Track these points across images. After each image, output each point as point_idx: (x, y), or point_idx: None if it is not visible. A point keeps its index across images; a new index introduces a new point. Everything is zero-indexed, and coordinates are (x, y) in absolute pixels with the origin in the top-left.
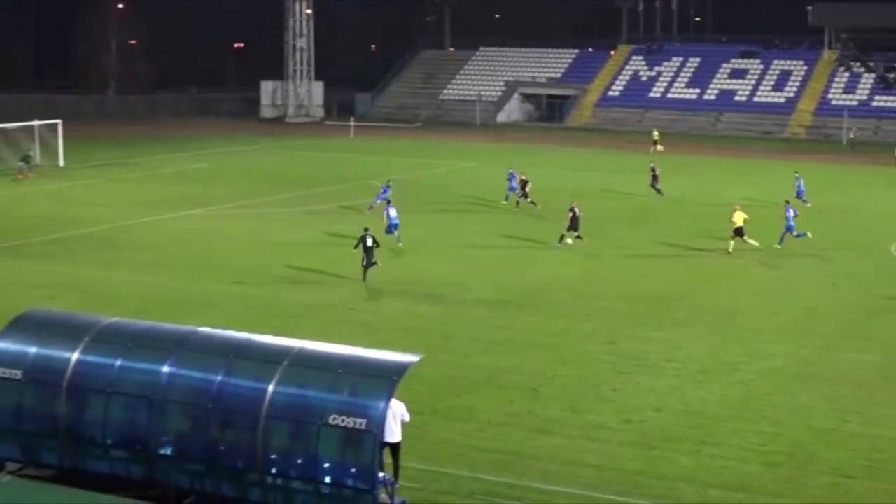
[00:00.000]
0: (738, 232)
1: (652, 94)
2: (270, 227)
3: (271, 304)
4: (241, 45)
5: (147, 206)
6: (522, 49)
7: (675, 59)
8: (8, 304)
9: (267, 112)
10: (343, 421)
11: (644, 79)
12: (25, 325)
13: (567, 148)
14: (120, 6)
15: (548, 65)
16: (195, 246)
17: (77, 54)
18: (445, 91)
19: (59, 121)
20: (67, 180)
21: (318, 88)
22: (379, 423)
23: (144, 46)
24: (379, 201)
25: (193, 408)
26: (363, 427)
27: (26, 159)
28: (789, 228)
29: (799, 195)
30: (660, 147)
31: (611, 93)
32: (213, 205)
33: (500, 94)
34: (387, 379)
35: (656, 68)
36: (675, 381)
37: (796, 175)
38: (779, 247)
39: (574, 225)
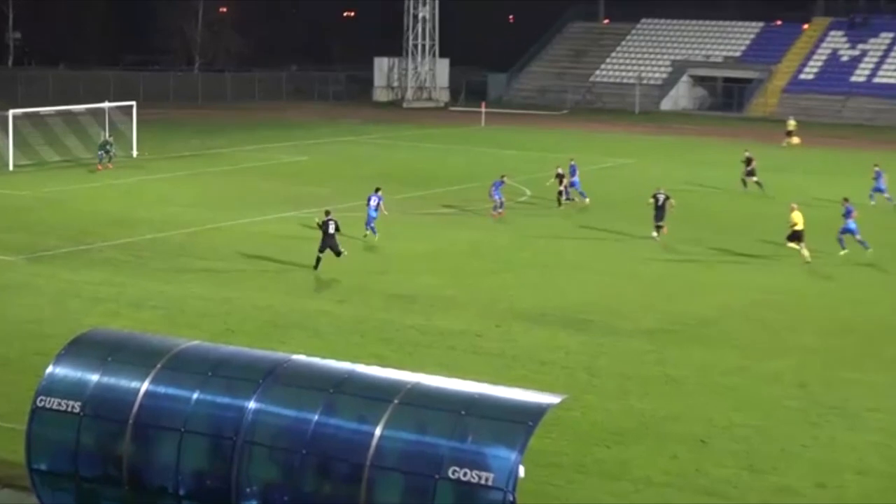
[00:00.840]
0: (796, 237)
1: (854, 78)
2: (380, 235)
3: (381, 327)
4: (351, 13)
5: (234, 207)
6: (694, 22)
7: (883, 35)
8: (67, 321)
9: (380, 95)
10: (465, 474)
11: (845, 59)
12: (86, 348)
13: (747, 142)
14: None
15: (725, 41)
16: (290, 256)
17: (157, 25)
18: (598, 72)
19: (132, 103)
20: (141, 174)
21: (442, 67)
22: (508, 479)
23: (236, 16)
24: (498, 198)
25: (284, 453)
26: (489, 483)
27: (105, 147)
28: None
29: (879, 190)
30: (795, 139)
31: (803, 76)
32: (312, 206)
33: (665, 76)
34: (520, 424)
35: (860, 46)
36: (881, 435)
37: (876, 169)
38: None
39: (659, 215)
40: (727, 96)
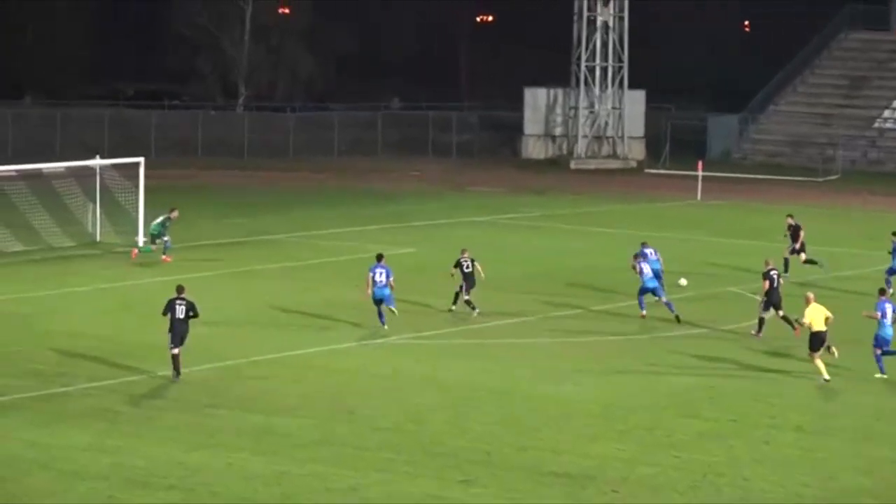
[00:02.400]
0: (817, 342)
1: None
2: (535, 372)
3: None
4: (489, 17)
5: (297, 327)
6: None
7: None
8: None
9: (533, 148)
10: None
11: None
12: None
13: None
14: None
15: None
16: (391, 407)
17: (175, 35)
18: (888, 113)
19: (139, 159)
20: (150, 272)
21: (634, 104)
22: None
23: (304, 21)
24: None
25: None
26: None
27: (162, 229)
28: None
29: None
30: None
31: None
32: (424, 327)
33: None
34: None
35: None
36: None
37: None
38: None
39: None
40: None
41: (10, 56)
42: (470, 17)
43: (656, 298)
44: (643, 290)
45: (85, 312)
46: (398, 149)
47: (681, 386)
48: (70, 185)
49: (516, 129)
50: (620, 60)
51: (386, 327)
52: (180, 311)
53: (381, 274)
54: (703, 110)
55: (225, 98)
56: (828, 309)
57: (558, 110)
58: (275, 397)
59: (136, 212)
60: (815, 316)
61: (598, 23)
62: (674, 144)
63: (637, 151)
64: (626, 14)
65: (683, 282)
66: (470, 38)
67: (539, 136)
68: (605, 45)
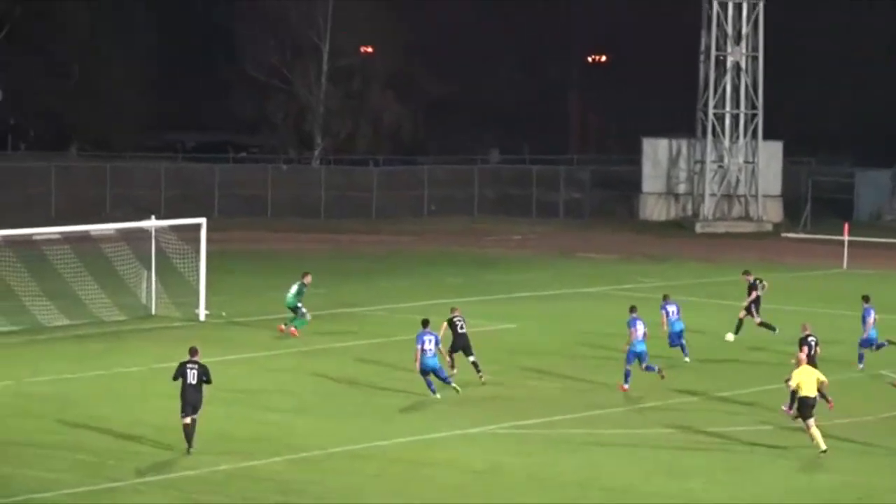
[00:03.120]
0: (806, 408)
1: None
2: (656, 466)
3: None
4: (601, 57)
5: (388, 413)
6: None
7: None
8: None
9: (653, 208)
10: None
11: None
12: None
13: None
14: None
15: None
16: None
17: (237, 76)
18: None
19: (201, 220)
20: (212, 349)
21: (770, 158)
22: None
23: (388, 59)
24: None
25: None
26: None
27: (299, 296)
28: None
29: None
30: None
31: None
32: (525, 415)
33: None
34: None
35: None
36: None
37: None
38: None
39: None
40: None
41: (54, 102)
42: (580, 58)
43: (642, 366)
44: (631, 356)
45: (137, 396)
46: (497, 208)
47: (825, 485)
48: (121, 250)
49: (633, 186)
50: (754, 107)
51: (438, 395)
52: (192, 377)
53: (430, 342)
54: (849, 164)
55: (298, 150)
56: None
57: (682, 164)
58: (356, 496)
59: (197, 280)
60: (804, 379)
61: (729, 63)
62: (815, 204)
63: (773, 212)
64: (760, 54)
65: (730, 337)
66: (580, 81)
67: (659, 195)
68: (736, 89)
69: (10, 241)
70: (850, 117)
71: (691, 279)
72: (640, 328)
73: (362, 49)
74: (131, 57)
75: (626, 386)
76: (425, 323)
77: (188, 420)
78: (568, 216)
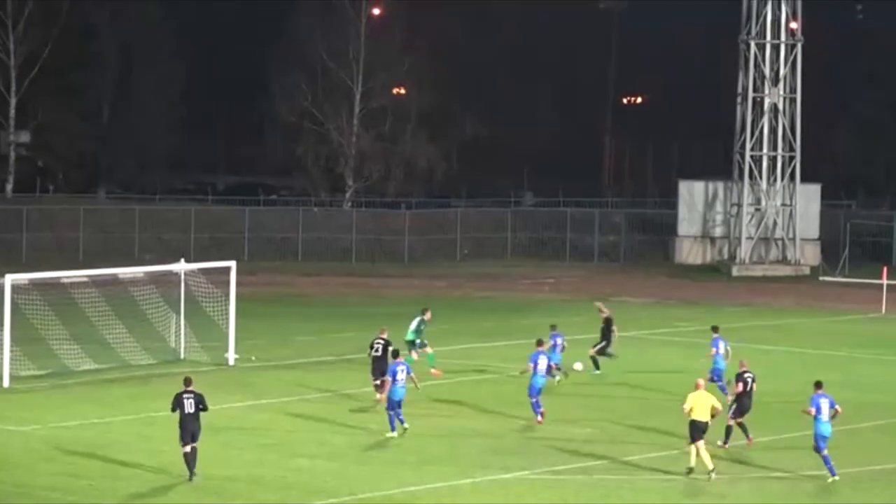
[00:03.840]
0: (697, 431)
1: None
2: None
3: None
4: (636, 98)
5: (419, 458)
6: None
7: None
8: None
9: (688, 251)
10: None
11: None
12: None
13: None
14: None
15: None
16: None
17: (267, 114)
18: None
19: (230, 263)
20: (240, 395)
21: (809, 200)
22: None
23: (418, 103)
24: None
25: None
26: None
27: (419, 333)
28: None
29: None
30: None
31: None
32: (559, 460)
33: None
34: None
35: None
36: None
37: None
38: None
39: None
40: None
41: (82, 143)
42: (615, 99)
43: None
44: (535, 390)
45: (167, 441)
46: (530, 252)
47: None
48: (150, 293)
49: (669, 229)
50: (792, 149)
51: (395, 434)
52: (190, 406)
53: (402, 371)
54: (888, 206)
55: (329, 192)
56: None
57: (718, 207)
58: None
59: (227, 324)
60: (698, 403)
61: (766, 105)
62: (854, 247)
63: (811, 256)
64: (798, 95)
65: (578, 366)
66: (615, 122)
67: (696, 238)
68: (773, 130)
69: (38, 284)
70: (889, 160)
71: (728, 323)
72: (544, 362)
73: (395, 90)
74: (161, 99)
75: (539, 418)
76: (396, 354)
77: (188, 448)
78: (602, 260)
